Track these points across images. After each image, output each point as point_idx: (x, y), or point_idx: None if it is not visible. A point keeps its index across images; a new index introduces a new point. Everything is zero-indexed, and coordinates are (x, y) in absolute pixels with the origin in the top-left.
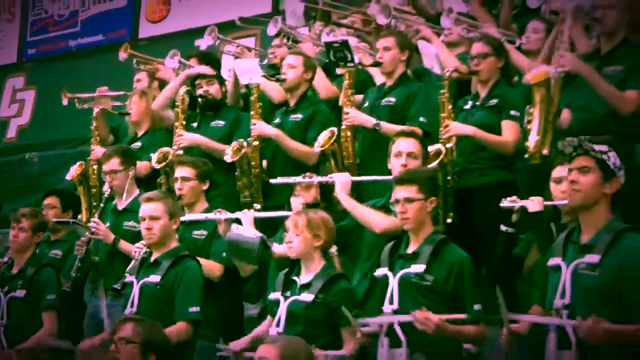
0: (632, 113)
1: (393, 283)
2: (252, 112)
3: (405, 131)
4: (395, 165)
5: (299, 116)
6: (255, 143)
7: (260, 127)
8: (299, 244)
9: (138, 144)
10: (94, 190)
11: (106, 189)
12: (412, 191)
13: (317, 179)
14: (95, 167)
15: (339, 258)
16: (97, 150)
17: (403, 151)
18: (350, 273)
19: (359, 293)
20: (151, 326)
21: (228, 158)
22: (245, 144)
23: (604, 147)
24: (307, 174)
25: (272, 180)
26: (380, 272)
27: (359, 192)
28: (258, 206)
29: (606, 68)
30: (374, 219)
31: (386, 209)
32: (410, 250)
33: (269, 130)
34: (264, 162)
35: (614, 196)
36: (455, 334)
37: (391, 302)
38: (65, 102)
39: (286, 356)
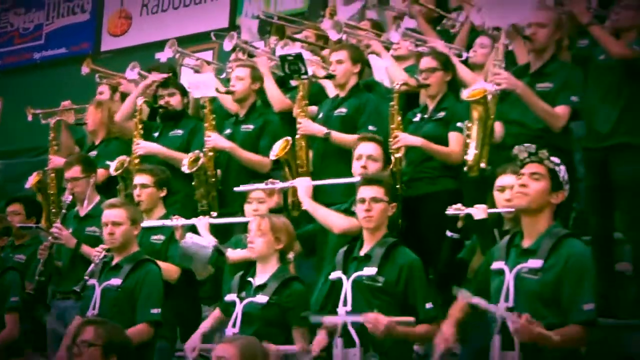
0: (563, 128)
1: (346, 285)
2: (205, 125)
3: (366, 136)
4: (356, 167)
5: (250, 127)
6: (210, 154)
7: (214, 140)
8: (261, 245)
9: (94, 153)
10: (53, 197)
11: (67, 196)
12: (379, 192)
13: (279, 184)
14: (53, 175)
15: (293, 263)
16: (55, 160)
17: (363, 154)
18: (317, 277)
19: (322, 295)
20: (112, 328)
21: (185, 169)
22: (201, 155)
23: (557, 160)
24: (270, 180)
25: (236, 188)
26: (334, 275)
27: (316, 198)
28: (214, 214)
29: (537, 84)
30: (334, 220)
31: (348, 212)
32: (363, 252)
33: (223, 143)
34: (218, 172)
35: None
36: (405, 335)
37: (345, 304)
38: (30, 118)
39: (245, 356)
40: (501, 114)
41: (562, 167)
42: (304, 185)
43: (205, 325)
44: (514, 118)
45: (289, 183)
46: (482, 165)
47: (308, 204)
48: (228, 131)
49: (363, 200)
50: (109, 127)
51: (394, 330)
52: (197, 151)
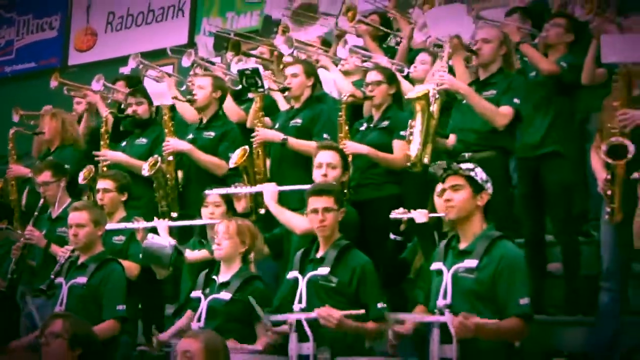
0: (506, 125)
1: (302, 284)
2: (165, 131)
3: (326, 144)
4: (317, 175)
5: (211, 133)
6: (170, 158)
7: (174, 143)
8: (227, 247)
9: (50, 158)
10: (14, 203)
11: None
12: (329, 201)
13: (247, 189)
14: (13, 182)
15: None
16: (14, 168)
17: (323, 162)
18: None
19: (282, 294)
20: (78, 322)
21: (145, 172)
22: (160, 159)
23: (471, 165)
24: (238, 184)
25: (206, 192)
26: (291, 274)
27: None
28: (175, 214)
29: (483, 92)
30: (296, 222)
31: None
32: (319, 255)
33: (182, 145)
34: (179, 173)
35: (486, 207)
36: (356, 329)
37: (300, 302)
38: (16, 118)
39: (209, 349)
40: (455, 125)
41: (478, 170)
42: (270, 191)
43: (179, 324)
44: (464, 126)
45: (257, 188)
46: (426, 160)
47: (273, 208)
48: (190, 136)
49: (316, 211)
50: (63, 135)
51: (345, 324)
52: (156, 155)
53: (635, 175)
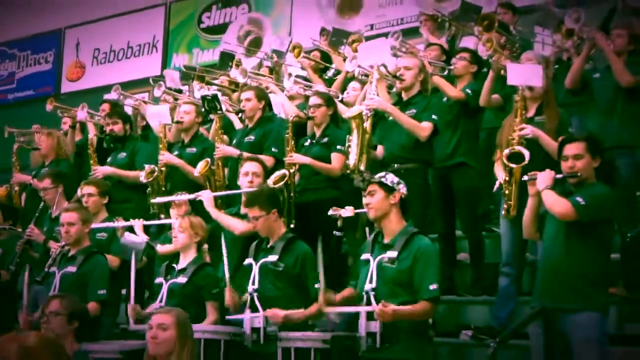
0: (427, 137)
1: (255, 269)
2: (160, 146)
3: (251, 157)
4: (243, 182)
5: (193, 150)
6: (163, 169)
7: (167, 157)
8: (182, 238)
9: (49, 169)
10: (17, 205)
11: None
12: (255, 211)
13: (187, 196)
14: (17, 188)
15: (209, 253)
16: (17, 176)
17: (249, 171)
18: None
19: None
20: (73, 301)
21: (143, 179)
22: (156, 169)
23: (382, 173)
24: (181, 192)
25: (152, 200)
26: (247, 261)
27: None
28: (162, 215)
29: (406, 111)
30: (235, 225)
31: (239, 215)
32: (269, 245)
33: (174, 160)
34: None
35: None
36: (298, 319)
37: (253, 283)
38: (6, 134)
39: (179, 322)
40: (383, 138)
41: (389, 175)
42: (206, 197)
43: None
44: (391, 140)
45: (194, 195)
46: (362, 167)
47: (213, 213)
48: (176, 153)
49: (250, 218)
50: (58, 150)
51: (290, 319)
52: (152, 165)
53: (525, 177)
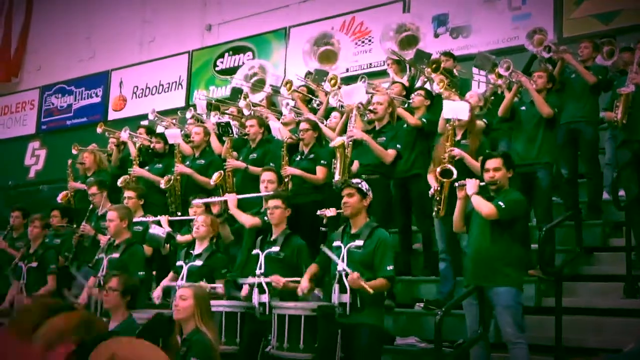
0: (391, 162)
1: (261, 258)
2: (175, 160)
3: (266, 167)
4: (262, 188)
5: (202, 161)
6: (178, 177)
7: (181, 168)
8: (203, 230)
9: (91, 179)
10: (72, 207)
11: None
12: (278, 203)
13: (217, 198)
14: (72, 194)
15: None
16: (72, 184)
17: (266, 179)
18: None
19: (242, 262)
20: (127, 277)
21: (162, 185)
22: (172, 177)
23: (358, 180)
24: (212, 196)
25: (192, 200)
26: (254, 251)
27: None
28: (179, 213)
29: (378, 139)
30: (245, 220)
31: (259, 213)
32: (272, 238)
33: (188, 170)
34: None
35: (368, 207)
36: (293, 288)
37: (260, 268)
38: (75, 151)
39: (198, 294)
40: (358, 156)
41: (363, 183)
42: (231, 199)
43: (164, 283)
44: (365, 159)
45: (223, 197)
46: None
47: (234, 211)
48: (187, 163)
49: (269, 208)
50: (99, 164)
51: (287, 286)
52: (170, 175)
53: (457, 184)
